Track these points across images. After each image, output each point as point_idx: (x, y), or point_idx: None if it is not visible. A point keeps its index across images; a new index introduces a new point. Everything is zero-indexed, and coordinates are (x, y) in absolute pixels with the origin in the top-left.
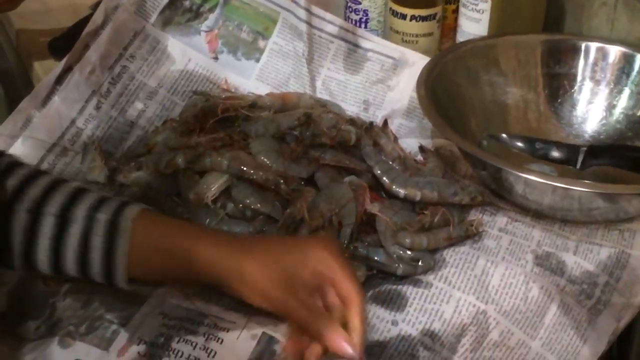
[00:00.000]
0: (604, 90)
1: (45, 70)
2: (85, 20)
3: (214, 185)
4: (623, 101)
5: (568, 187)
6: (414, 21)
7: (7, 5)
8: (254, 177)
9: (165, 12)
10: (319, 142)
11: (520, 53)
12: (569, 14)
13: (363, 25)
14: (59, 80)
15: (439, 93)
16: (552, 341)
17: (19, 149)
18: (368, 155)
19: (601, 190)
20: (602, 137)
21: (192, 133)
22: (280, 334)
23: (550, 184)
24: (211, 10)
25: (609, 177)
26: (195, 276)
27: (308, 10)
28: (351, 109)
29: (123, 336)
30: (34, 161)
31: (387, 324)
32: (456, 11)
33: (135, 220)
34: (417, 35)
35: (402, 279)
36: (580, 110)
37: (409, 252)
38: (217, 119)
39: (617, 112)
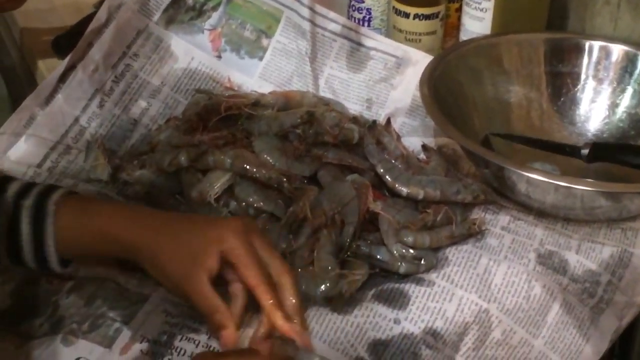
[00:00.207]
0: (606, 89)
1: (49, 68)
2: (89, 18)
3: (216, 184)
4: (626, 100)
5: (570, 185)
6: (417, 20)
7: (11, 3)
8: (257, 175)
9: (169, 11)
10: (322, 140)
11: (523, 52)
12: (572, 13)
13: (366, 24)
14: (63, 78)
15: (442, 92)
16: (555, 340)
17: (22, 147)
18: (371, 153)
19: (604, 189)
20: (605, 135)
21: (195, 131)
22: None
23: (553, 183)
24: (214, 8)
25: (611, 176)
26: (119, 254)
27: (311, 9)
28: (354, 107)
29: (126, 334)
30: (37, 159)
31: (389, 322)
32: (459, 10)
33: (59, 203)
34: (420, 34)
35: (405, 277)
36: (583, 109)
37: (411, 251)
38: (220, 117)
39: (620, 111)
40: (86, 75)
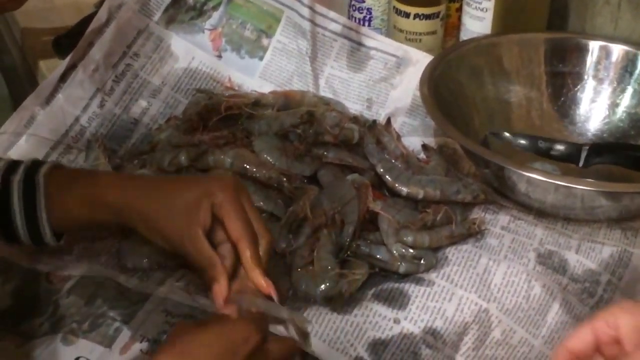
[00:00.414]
0: (607, 89)
1: (50, 68)
2: (89, 18)
3: None
4: (626, 100)
5: (570, 185)
6: (417, 19)
7: (11, 4)
8: (257, 175)
9: (169, 11)
10: (322, 140)
11: (523, 51)
12: (572, 13)
13: (367, 24)
14: (63, 78)
15: (442, 91)
16: (555, 339)
17: (23, 146)
18: (371, 153)
19: (604, 188)
20: (605, 135)
21: (195, 131)
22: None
23: (553, 183)
24: (215, 8)
25: (611, 176)
26: (111, 220)
27: (312, 9)
28: (354, 107)
29: (126, 334)
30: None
31: (389, 322)
32: (460, 9)
33: (48, 175)
34: (420, 34)
35: (405, 277)
36: (583, 108)
37: (411, 250)
38: (220, 116)
39: (620, 110)
40: (87, 75)
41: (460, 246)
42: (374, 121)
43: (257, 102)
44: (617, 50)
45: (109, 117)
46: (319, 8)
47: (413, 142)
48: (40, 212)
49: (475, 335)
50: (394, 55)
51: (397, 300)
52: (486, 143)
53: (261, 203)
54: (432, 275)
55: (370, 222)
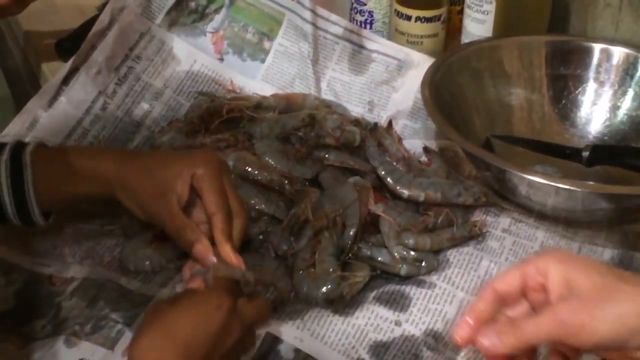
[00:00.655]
0: (608, 92)
1: (52, 71)
2: (92, 21)
3: None
4: (627, 102)
5: (572, 188)
6: (418, 22)
7: (13, 8)
8: (259, 177)
9: (171, 13)
10: (324, 142)
11: (524, 54)
12: (573, 15)
13: (368, 27)
14: (66, 80)
15: (444, 94)
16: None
17: None
18: (372, 156)
19: (605, 191)
20: (606, 138)
21: (197, 133)
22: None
23: (554, 185)
24: (217, 11)
25: (612, 178)
26: (96, 192)
27: (313, 12)
28: (356, 109)
29: (128, 336)
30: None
31: (390, 324)
32: (461, 12)
33: (34, 153)
34: (421, 37)
35: (406, 279)
36: (584, 111)
37: (412, 253)
38: (222, 119)
39: (621, 113)
40: (89, 77)
41: (461, 249)
42: (376, 124)
43: (259, 105)
44: (618, 53)
45: (112, 120)
46: (321, 11)
47: (414, 145)
48: (28, 190)
49: None
50: (395, 58)
51: (398, 303)
52: (487, 145)
53: (263, 205)
54: (434, 278)
55: (371, 224)
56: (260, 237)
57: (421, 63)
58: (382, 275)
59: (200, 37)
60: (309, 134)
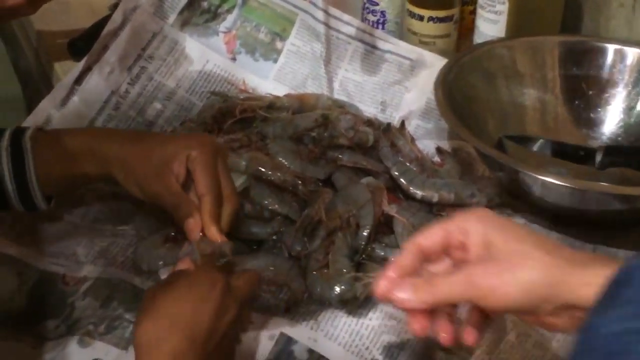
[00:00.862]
0: (622, 92)
1: (65, 70)
2: (104, 20)
3: None
4: None
5: (585, 189)
6: (431, 22)
7: (25, 9)
8: (272, 178)
9: (184, 13)
10: (337, 143)
11: (537, 54)
12: (586, 15)
13: (380, 27)
14: (78, 80)
15: (456, 94)
16: (569, 343)
17: None
18: (385, 156)
19: (619, 192)
20: (619, 139)
21: (210, 134)
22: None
23: (568, 186)
24: (229, 11)
25: (626, 179)
26: (95, 173)
27: (325, 12)
28: (368, 110)
29: None
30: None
31: (404, 325)
32: (473, 12)
33: (33, 138)
34: (434, 37)
35: None
36: (597, 112)
37: None
38: (235, 119)
39: (635, 114)
40: (102, 77)
41: None
42: (388, 124)
43: (272, 105)
44: (632, 53)
45: (124, 120)
46: (333, 11)
47: (427, 145)
48: (30, 175)
49: (490, 338)
50: (407, 58)
51: None
52: (500, 146)
53: (276, 206)
54: None
55: (385, 225)
56: (274, 237)
57: (434, 63)
58: None
59: (213, 37)
60: (322, 134)
